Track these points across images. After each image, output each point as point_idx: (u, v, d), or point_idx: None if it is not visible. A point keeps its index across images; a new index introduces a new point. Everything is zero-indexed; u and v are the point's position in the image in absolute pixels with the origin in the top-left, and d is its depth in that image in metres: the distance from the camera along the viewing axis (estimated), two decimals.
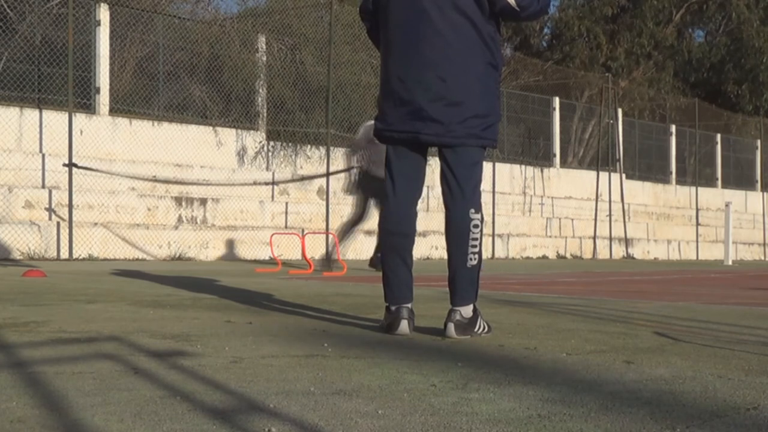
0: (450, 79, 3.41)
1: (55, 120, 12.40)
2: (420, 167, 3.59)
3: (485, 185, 17.38)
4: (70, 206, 11.12)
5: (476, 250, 3.44)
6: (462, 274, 3.43)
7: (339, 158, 16.03)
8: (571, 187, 21.50)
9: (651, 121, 26.04)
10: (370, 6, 3.65)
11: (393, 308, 3.49)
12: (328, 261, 9.64)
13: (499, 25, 3.56)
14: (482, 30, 3.45)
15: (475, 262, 3.44)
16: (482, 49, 3.47)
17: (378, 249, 9.52)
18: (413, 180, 3.58)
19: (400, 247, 3.53)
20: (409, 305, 3.50)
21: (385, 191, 3.58)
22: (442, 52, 3.42)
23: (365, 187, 9.58)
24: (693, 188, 25.01)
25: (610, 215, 20.79)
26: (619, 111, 23.05)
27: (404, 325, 3.44)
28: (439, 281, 5.58)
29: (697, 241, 23.83)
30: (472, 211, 3.45)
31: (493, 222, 17.50)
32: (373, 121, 8.90)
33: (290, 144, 15.71)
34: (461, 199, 3.46)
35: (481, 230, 3.48)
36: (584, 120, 24.11)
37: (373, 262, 9.66)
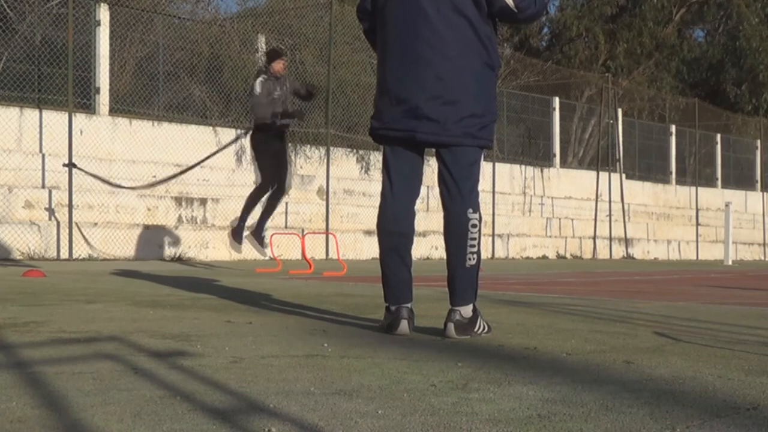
0: (447, 78, 3.41)
1: (55, 120, 12.40)
2: (417, 167, 3.59)
3: (485, 185, 17.38)
4: (70, 206, 11.12)
5: (475, 250, 3.44)
6: (461, 274, 3.43)
7: (339, 158, 16.06)
8: (571, 187, 21.50)
9: (651, 121, 26.03)
10: (368, 6, 3.66)
11: (393, 308, 3.49)
12: (239, 234, 8.80)
13: (495, 25, 3.57)
14: (480, 30, 3.45)
15: (474, 262, 3.44)
16: (479, 50, 3.47)
17: (243, 218, 8.87)
18: (411, 180, 3.58)
19: (400, 247, 3.52)
20: (409, 305, 3.50)
21: (383, 191, 3.58)
22: (440, 51, 3.42)
23: (264, 145, 9.04)
24: (693, 188, 25.01)
25: (610, 215, 20.79)
26: (619, 111, 23.05)
27: (404, 325, 3.44)
28: (439, 281, 5.58)
29: (697, 241, 23.83)
30: (470, 211, 3.45)
31: (493, 222, 17.50)
32: (263, 78, 9.11)
33: (290, 144, 15.69)
34: (459, 199, 3.46)
35: (480, 230, 3.48)
36: (584, 120, 24.10)
37: (234, 233, 8.85)
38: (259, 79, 9.21)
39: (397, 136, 3.51)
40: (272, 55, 9.37)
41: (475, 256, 3.44)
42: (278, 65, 9.19)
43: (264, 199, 8.94)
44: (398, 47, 3.50)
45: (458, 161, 3.47)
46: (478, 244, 3.47)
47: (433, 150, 3.57)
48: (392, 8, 3.53)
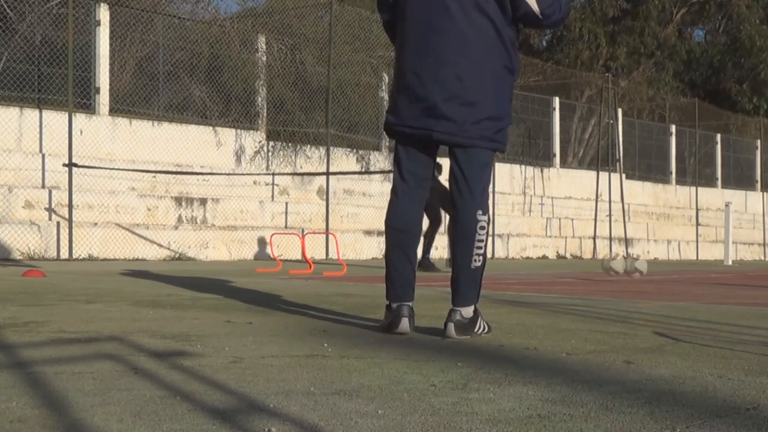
0: (467, 79, 3.38)
1: (55, 120, 12.40)
2: (429, 167, 3.57)
3: None
4: (70, 206, 11.12)
5: (481, 251, 3.44)
6: (465, 275, 3.43)
7: (339, 158, 16.05)
8: (571, 187, 21.50)
9: (651, 121, 26.02)
10: None
11: (394, 306, 3.48)
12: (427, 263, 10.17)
13: (518, 30, 3.54)
14: (503, 33, 3.43)
15: (479, 264, 3.44)
16: (501, 52, 3.44)
17: (426, 250, 10.34)
18: (422, 179, 3.56)
19: (405, 244, 3.51)
20: (410, 304, 3.49)
21: (394, 188, 3.57)
22: (461, 50, 3.38)
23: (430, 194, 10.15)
24: (693, 188, 25.00)
25: (610, 215, 20.78)
26: (619, 111, 23.03)
27: (405, 324, 3.43)
28: (440, 281, 5.58)
29: (697, 241, 23.83)
30: (480, 212, 3.44)
31: (493, 222, 17.49)
32: None
33: (290, 144, 15.71)
34: (470, 200, 3.45)
35: (487, 232, 3.48)
36: (584, 120, 24.10)
37: (424, 264, 10.02)
38: None
39: (413, 134, 3.47)
40: None
41: (481, 257, 3.44)
42: None
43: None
44: (419, 43, 3.45)
45: (472, 162, 3.45)
46: (485, 246, 3.46)
47: (442, 149, 3.56)
48: (414, 3, 3.47)
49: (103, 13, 13.30)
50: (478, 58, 3.40)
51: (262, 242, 13.19)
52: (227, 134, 14.91)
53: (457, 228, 3.47)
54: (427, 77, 3.41)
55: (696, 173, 25.41)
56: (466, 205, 3.45)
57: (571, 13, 27.69)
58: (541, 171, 20.95)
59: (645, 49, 27.73)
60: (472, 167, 3.46)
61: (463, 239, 3.43)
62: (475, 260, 3.42)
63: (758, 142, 27.82)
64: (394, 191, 3.56)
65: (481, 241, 3.43)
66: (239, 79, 15.06)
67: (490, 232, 17.18)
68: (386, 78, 16.65)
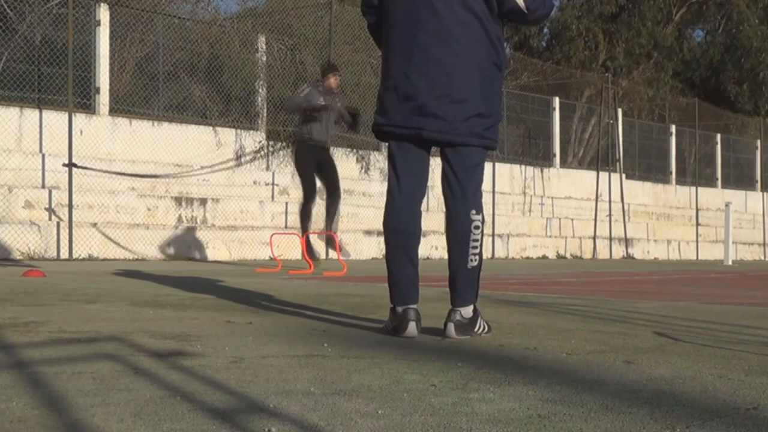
0: (456, 76, 3.37)
1: (55, 120, 12.40)
2: (424, 164, 3.54)
3: (485, 185, 17.27)
4: (70, 206, 11.12)
5: (477, 251, 3.42)
6: (462, 275, 3.42)
7: (339, 158, 16.03)
8: (571, 187, 21.50)
9: (651, 121, 26.02)
10: (375, 0, 3.60)
11: (400, 309, 3.43)
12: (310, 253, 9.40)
13: (503, 25, 3.54)
14: (489, 29, 3.42)
15: (475, 263, 3.43)
16: (488, 48, 3.44)
17: (328, 220, 9.47)
18: (418, 177, 3.53)
19: (407, 246, 3.48)
20: (416, 306, 3.45)
21: (389, 189, 3.56)
22: (449, 48, 3.37)
23: (307, 156, 9.24)
24: (693, 188, 25.00)
25: (610, 215, 20.79)
26: (619, 111, 23.04)
27: (412, 327, 3.39)
28: (439, 281, 5.57)
29: (697, 241, 23.83)
30: (473, 212, 3.43)
31: (493, 222, 17.49)
32: (312, 87, 9.19)
33: (290, 144, 15.70)
34: (462, 201, 3.43)
35: (482, 231, 3.46)
36: (584, 120, 24.10)
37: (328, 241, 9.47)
38: (308, 86, 9.37)
39: (403, 134, 3.45)
40: (326, 69, 9.50)
41: (477, 257, 3.43)
42: (330, 80, 9.27)
43: (324, 207, 9.43)
44: (406, 43, 3.44)
45: (463, 162, 3.44)
46: (480, 245, 3.45)
47: (436, 150, 3.55)
48: (400, 3, 3.47)
49: (103, 13, 13.30)
50: (466, 56, 3.39)
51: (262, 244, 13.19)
52: (227, 134, 14.90)
53: (451, 229, 3.46)
54: (416, 76, 3.40)
55: (696, 173, 25.41)
56: (459, 205, 3.44)
57: (567, 11, 27.74)
58: (541, 171, 20.95)
59: (642, 49, 27.72)
60: (463, 167, 3.44)
61: (458, 240, 3.42)
62: (471, 260, 3.41)
63: (758, 142, 27.83)
64: (390, 192, 3.53)
65: (477, 240, 3.42)
66: (239, 79, 15.07)
67: (490, 232, 17.19)
68: None
